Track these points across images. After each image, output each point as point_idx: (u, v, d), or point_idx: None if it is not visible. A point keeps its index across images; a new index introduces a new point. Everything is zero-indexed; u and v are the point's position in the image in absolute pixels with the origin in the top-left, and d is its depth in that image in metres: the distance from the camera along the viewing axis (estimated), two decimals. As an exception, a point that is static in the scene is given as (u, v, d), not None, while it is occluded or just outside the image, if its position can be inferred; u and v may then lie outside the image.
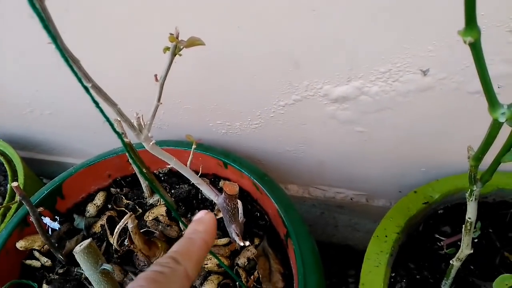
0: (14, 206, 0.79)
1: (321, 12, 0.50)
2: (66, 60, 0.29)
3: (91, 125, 0.86)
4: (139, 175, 0.69)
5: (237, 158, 0.72)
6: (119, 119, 0.46)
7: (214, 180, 0.76)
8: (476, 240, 0.64)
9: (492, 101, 0.31)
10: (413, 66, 0.54)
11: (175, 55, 0.47)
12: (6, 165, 0.88)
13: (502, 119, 0.31)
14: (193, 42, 0.46)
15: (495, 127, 0.33)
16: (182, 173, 0.55)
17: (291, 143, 0.75)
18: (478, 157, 0.38)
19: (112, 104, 0.43)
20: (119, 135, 0.38)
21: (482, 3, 0.46)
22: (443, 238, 0.64)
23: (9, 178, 0.85)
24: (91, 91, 0.36)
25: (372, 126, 0.65)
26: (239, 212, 0.64)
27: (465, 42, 0.27)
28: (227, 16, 0.54)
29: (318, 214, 0.94)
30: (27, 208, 0.58)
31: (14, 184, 0.54)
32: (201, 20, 0.55)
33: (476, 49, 0.27)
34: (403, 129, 0.65)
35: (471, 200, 0.45)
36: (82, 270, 0.48)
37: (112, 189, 0.77)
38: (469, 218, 0.47)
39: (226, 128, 0.76)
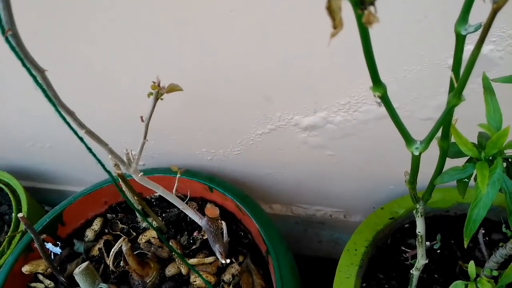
0: (19, 234, 0.85)
1: (285, 57, 0.58)
2: (63, 118, 0.37)
3: (89, 156, 0.93)
4: (133, 202, 0.76)
5: (221, 182, 0.79)
6: (109, 155, 0.54)
7: (201, 203, 0.82)
8: (438, 251, 0.71)
9: (407, 138, 0.38)
10: (368, 98, 0.62)
11: (157, 100, 0.54)
12: (10, 195, 0.94)
13: (416, 153, 0.39)
14: (173, 88, 0.54)
15: (415, 158, 0.40)
16: (169, 199, 0.62)
17: (271, 166, 0.82)
18: (411, 181, 0.45)
19: (104, 144, 0.50)
20: (110, 173, 0.45)
21: (421, 44, 0.54)
22: (408, 250, 0.71)
23: (14, 207, 0.92)
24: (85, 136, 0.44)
25: (340, 149, 0.73)
26: (224, 232, 0.71)
27: (375, 95, 0.35)
28: (204, 59, 0.62)
29: (302, 231, 1.01)
30: (32, 235, 0.65)
31: (20, 214, 0.60)
32: (182, 63, 0.63)
33: (384, 100, 0.35)
34: (368, 151, 0.72)
35: (418, 217, 0.52)
36: (81, 289, 0.55)
37: (108, 214, 0.83)
38: (419, 232, 0.54)
39: (211, 155, 0.83)
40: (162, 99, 0.54)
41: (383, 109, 0.65)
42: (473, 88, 0.54)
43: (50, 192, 1.14)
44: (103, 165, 0.41)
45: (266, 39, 0.57)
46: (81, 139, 0.39)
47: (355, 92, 0.61)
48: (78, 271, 0.52)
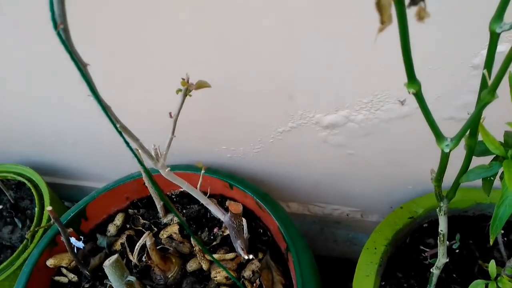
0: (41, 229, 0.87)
1: (310, 55, 0.59)
2: (106, 113, 0.38)
3: (109, 152, 0.95)
4: (155, 198, 0.77)
5: (241, 180, 0.80)
6: (139, 150, 0.55)
7: (221, 200, 0.84)
8: (457, 251, 0.71)
9: (438, 135, 0.39)
10: (391, 97, 0.63)
11: (186, 96, 0.55)
12: (33, 190, 0.97)
13: (446, 150, 0.39)
14: (201, 85, 0.55)
15: (444, 155, 0.41)
16: (193, 195, 0.63)
17: (290, 165, 0.83)
18: (438, 179, 0.46)
19: (135, 139, 0.51)
20: (144, 167, 0.46)
21: (446, 43, 0.55)
22: (427, 249, 0.71)
23: (36, 202, 0.94)
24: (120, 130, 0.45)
25: (360, 148, 0.73)
26: (244, 229, 0.72)
27: (409, 92, 0.36)
28: (229, 56, 0.63)
29: (318, 230, 1.01)
30: (59, 229, 0.67)
31: (49, 208, 0.62)
32: (207, 60, 0.64)
33: (418, 97, 0.36)
34: (389, 151, 0.73)
35: (441, 215, 0.53)
36: (110, 281, 0.56)
37: (130, 210, 0.85)
38: (441, 231, 0.55)
39: (231, 153, 0.84)
40: (190, 95, 0.55)
41: (405, 109, 0.66)
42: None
43: (69, 187, 1.16)
44: (138, 159, 0.43)
45: (291, 37, 0.57)
46: (120, 133, 0.40)
47: (379, 90, 0.62)
48: (108, 264, 0.53)
